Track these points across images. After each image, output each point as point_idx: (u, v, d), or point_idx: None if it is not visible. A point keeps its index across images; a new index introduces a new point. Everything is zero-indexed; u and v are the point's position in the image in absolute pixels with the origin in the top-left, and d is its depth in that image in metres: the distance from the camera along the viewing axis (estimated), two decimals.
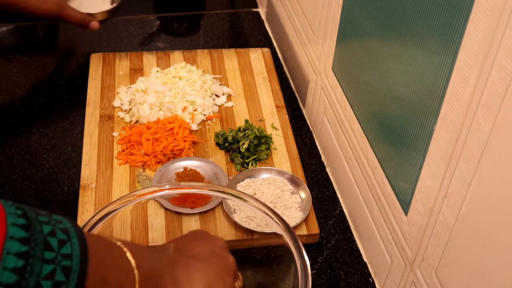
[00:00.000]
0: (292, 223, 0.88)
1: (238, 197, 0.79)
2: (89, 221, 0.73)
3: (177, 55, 1.20)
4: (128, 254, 0.56)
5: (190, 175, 0.94)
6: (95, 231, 0.73)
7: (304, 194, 0.93)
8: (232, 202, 0.88)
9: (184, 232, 0.87)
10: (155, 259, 0.61)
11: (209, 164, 0.97)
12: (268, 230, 0.85)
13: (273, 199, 0.91)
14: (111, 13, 1.20)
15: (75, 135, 1.05)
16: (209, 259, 0.64)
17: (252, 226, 0.86)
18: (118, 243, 0.57)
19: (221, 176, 0.95)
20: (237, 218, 0.87)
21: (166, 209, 0.89)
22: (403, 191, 0.76)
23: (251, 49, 1.24)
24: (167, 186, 0.80)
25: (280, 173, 0.95)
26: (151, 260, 0.59)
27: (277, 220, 0.75)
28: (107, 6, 1.22)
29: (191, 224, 0.88)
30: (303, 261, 0.69)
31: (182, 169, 0.95)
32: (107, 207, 0.76)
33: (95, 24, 1.11)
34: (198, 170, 0.96)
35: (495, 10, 0.53)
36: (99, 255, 0.50)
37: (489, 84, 0.55)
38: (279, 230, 0.75)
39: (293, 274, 0.72)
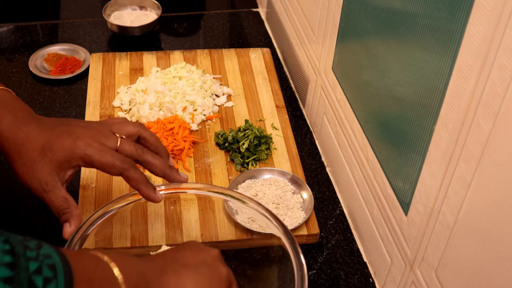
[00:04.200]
0: (295, 223, 0.88)
1: (237, 199, 0.79)
2: (88, 219, 0.73)
3: (177, 55, 1.20)
4: (116, 270, 0.56)
5: None
6: (94, 230, 0.73)
7: (306, 194, 0.92)
8: (233, 203, 0.88)
9: (184, 232, 0.87)
10: (144, 269, 0.61)
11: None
12: (269, 231, 0.85)
13: (275, 199, 0.91)
14: (149, 27, 1.27)
15: None
16: (200, 268, 0.64)
17: (254, 227, 0.86)
18: (105, 258, 0.57)
19: None
20: (239, 219, 0.87)
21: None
22: (403, 191, 0.76)
23: (251, 49, 1.24)
24: (166, 186, 0.80)
25: (282, 173, 0.95)
26: (140, 271, 0.60)
27: (275, 223, 0.75)
28: (145, 20, 1.28)
29: (191, 225, 0.88)
30: (300, 263, 0.69)
31: None
32: (106, 205, 0.76)
33: (67, 229, 0.76)
34: None
35: (495, 10, 0.53)
36: (85, 284, 0.51)
37: (489, 84, 0.55)
38: (277, 232, 0.75)
39: (291, 274, 0.72)
